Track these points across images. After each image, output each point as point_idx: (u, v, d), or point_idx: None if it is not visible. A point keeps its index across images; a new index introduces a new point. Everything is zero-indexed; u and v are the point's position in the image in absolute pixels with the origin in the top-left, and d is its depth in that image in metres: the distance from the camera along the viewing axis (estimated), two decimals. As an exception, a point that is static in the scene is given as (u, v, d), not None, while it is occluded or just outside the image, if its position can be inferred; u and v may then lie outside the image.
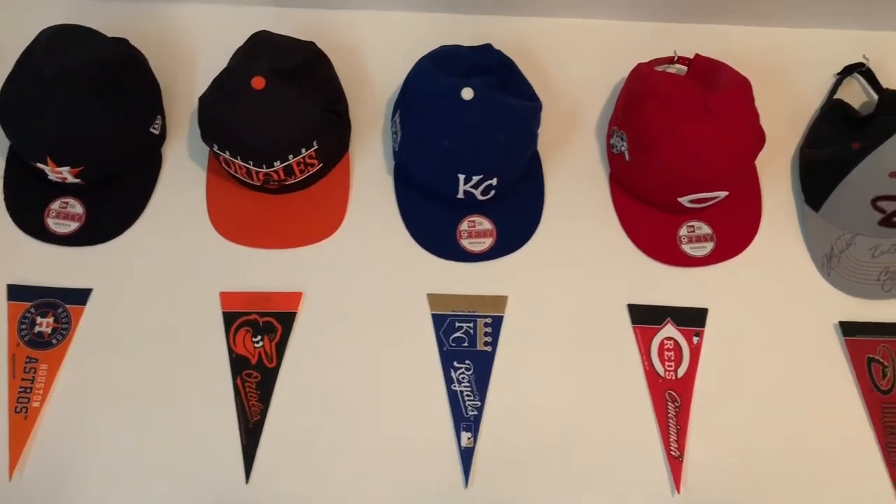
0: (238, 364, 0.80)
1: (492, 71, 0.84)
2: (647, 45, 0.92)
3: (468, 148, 0.78)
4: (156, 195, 0.86)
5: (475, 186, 0.80)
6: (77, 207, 0.84)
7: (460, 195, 0.82)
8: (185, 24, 0.92)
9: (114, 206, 0.84)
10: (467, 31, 0.92)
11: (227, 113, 0.78)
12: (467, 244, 0.84)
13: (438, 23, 0.93)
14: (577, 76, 0.92)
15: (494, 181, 0.80)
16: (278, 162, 0.79)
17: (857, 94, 0.92)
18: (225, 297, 0.82)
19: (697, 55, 0.87)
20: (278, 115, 0.77)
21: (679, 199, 0.82)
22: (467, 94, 0.77)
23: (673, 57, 0.89)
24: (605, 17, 0.94)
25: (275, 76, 0.77)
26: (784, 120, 0.91)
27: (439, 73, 0.79)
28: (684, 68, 0.88)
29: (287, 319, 0.81)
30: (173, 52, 0.91)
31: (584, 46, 0.93)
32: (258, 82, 0.76)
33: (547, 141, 0.89)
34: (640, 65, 0.86)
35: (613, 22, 0.94)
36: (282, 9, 0.93)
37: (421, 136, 0.79)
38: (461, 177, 0.79)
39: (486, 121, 0.78)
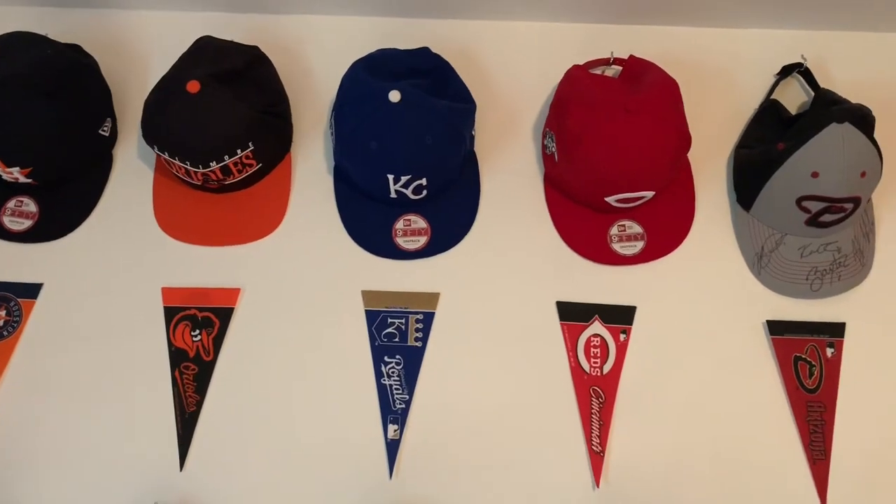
0: (177, 357, 0.83)
1: (427, 74, 0.86)
2: (589, 46, 0.94)
3: (396, 149, 0.80)
4: (106, 194, 0.89)
5: (405, 186, 0.83)
6: (31, 206, 0.88)
7: (393, 195, 0.84)
8: (138, 30, 0.96)
9: (66, 204, 0.88)
10: (410, 35, 0.94)
11: (163, 116, 0.81)
12: (402, 242, 0.86)
13: (382, 26, 0.95)
14: (517, 78, 0.93)
15: (424, 181, 0.83)
16: (214, 162, 0.82)
17: (798, 95, 0.92)
18: (166, 292, 0.85)
19: (631, 56, 0.88)
20: (212, 117, 0.80)
21: (606, 199, 0.83)
22: (394, 96, 0.79)
23: (609, 58, 0.90)
24: (547, 20, 0.95)
25: (211, 80, 0.80)
26: (723, 120, 0.91)
27: (369, 76, 0.82)
28: (621, 69, 0.89)
29: (225, 315, 0.84)
30: (127, 57, 0.94)
31: (526, 49, 0.95)
32: (193, 86, 0.80)
33: (485, 142, 0.91)
34: (573, 67, 0.87)
35: (555, 24, 0.96)
36: (231, 14, 0.96)
37: (351, 138, 0.82)
38: (390, 177, 0.82)
39: (414, 123, 0.80)
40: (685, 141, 0.82)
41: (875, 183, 0.81)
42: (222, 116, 0.81)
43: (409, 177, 0.82)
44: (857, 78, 0.92)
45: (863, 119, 0.78)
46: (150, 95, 0.84)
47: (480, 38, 0.95)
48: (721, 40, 0.95)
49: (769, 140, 0.82)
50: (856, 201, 0.79)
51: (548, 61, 0.94)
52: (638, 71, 0.85)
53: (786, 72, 0.91)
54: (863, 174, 0.78)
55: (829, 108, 0.79)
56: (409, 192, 0.83)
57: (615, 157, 0.79)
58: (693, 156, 0.89)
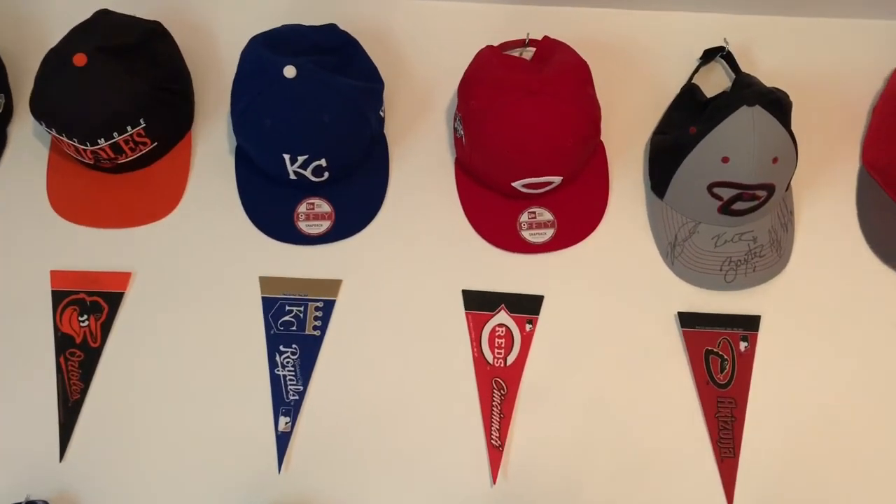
0: (63, 342, 0.79)
1: (333, 51, 0.83)
2: (509, 27, 0.90)
3: (290, 127, 0.77)
4: (-2, 173, 0.85)
5: (303, 167, 0.79)
6: (-82, 184, 0.84)
7: (292, 176, 0.80)
8: (36, 3, 0.92)
9: (-46, 183, 0.84)
10: (326, 12, 0.90)
11: (49, 90, 0.77)
12: (304, 227, 0.83)
13: (295, 4, 0.92)
14: (433, 59, 0.90)
15: (324, 162, 0.79)
16: (103, 140, 0.78)
17: (723, 80, 0.89)
18: (55, 275, 0.81)
19: (545, 37, 0.85)
20: (99, 91, 0.77)
21: (513, 184, 0.80)
22: (290, 72, 0.75)
23: (524, 40, 0.87)
24: (467, 0, 0.92)
25: (99, 53, 0.77)
26: (644, 105, 0.88)
27: (267, 51, 0.78)
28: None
29: (114, 299, 0.80)
30: (23, 29, 0.90)
31: (444, 29, 0.91)
32: (80, 59, 0.76)
33: (397, 124, 0.87)
34: (485, 48, 0.84)
35: (475, 4, 0.92)
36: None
37: (244, 115, 0.78)
38: (286, 157, 0.78)
39: (310, 100, 0.76)
40: (594, 124, 0.79)
41: (790, 170, 0.78)
42: (110, 91, 0.77)
43: (306, 157, 0.78)
44: (781, 63, 0.89)
45: (776, 103, 0.75)
46: (39, 69, 0.80)
47: (397, 17, 0.92)
48: (646, 23, 0.91)
49: (683, 125, 0.79)
50: (769, 188, 0.76)
51: (466, 42, 0.90)
52: (549, 52, 0.82)
53: (708, 56, 0.88)
54: (775, 160, 0.75)
55: (741, 91, 0.76)
56: (308, 173, 0.80)
57: (517, 139, 0.76)
58: (611, 142, 0.86)
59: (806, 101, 0.87)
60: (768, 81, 0.84)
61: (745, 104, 0.74)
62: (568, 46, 0.82)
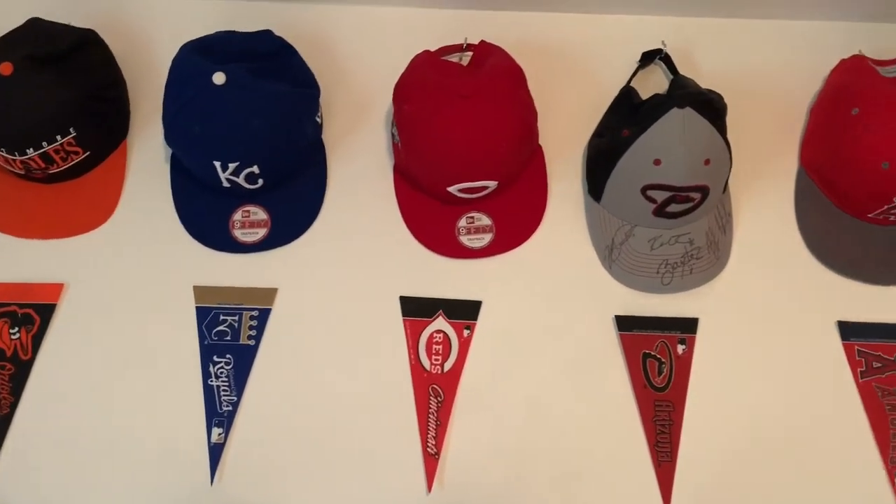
0: (-8, 356, 0.78)
1: (267, 57, 0.82)
2: (449, 32, 0.90)
3: (220, 134, 0.76)
4: (-71, 184, 0.84)
5: (235, 174, 0.78)
6: None
7: (225, 183, 0.80)
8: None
9: None
10: (264, 18, 0.90)
11: (-26, 99, 0.76)
12: (240, 234, 0.82)
13: (232, 10, 0.91)
14: (372, 65, 0.90)
15: (256, 169, 0.78)
16: (31, 149, 0.77)
17: (663, 83, 0.89)
18: (-15, 287, 0.80)
19: (481, 42, 0.84)
20: (26, 101, 0.76)
21: (448, 189, 0.79)
22: (219, 78, 0.75)
23: (462, 45, 0.86)
24: (407, 5, 0.92)
25: (27, 62, 0.76)
26: (583, 109, 0.87)
27: (198, 57, 0.77)
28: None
29: (46, 311, 0.79)
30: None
31: (383, 35, 0.91)
32: (5, 68, 0.75)
33: (336, 130, 0.87)
34: (422, 52, 0.83)
35: (415, 10, 0.92)
36: (72, -2, 0.91)
37: (174, 122, 0.77)
38: (217, 164, 0.77)
39: (240, 106, 0.76)
40: (528, 128, 0.79)
41: (723, 171, 0.78)
42: (37, 100, 0.76)
43: (237, 164, 0.77)
44: (721, 64, 0.90)
45: (707, 104, 0.75)
46: (-33, 79, 0.79)
47: (337, 23, 0.92)
48: (587, 27, 0.91)
49: (618, 127, 0.79)
50: (703, 190, 0.76)
51: (406, 48, 0.88)
52: (484, 57, 0.82)
53: (647, 59, 0.88)
54: (706, 161, 0.75)
55: (673, 93, 0.76)
56: (241, 180, 0.79)
57: (450, 143, 0.75)
58: (550, 146, 0.86)
59: (745, 103, 0.87)
60: (708, 83, 0.84)
61: (675, 106, 0.73)
62: (502, 51, 0.82)
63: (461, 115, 0.75)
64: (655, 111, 0.75)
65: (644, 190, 0.76)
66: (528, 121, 0.79)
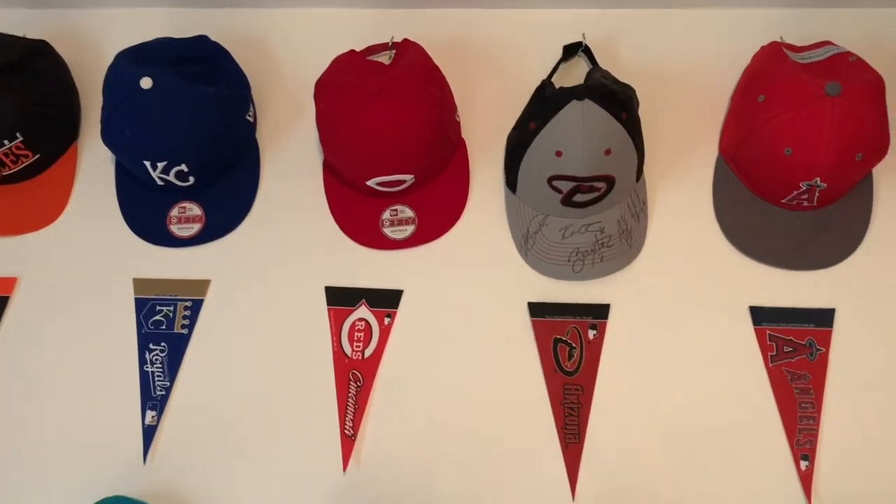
0: (-50, 346, 0.84)
1: (201, 61, 0.87)
2: (381, 31, 0.93)
3: (147, 136, 0.81)
4: None
5: (165, 173, 0.83)
6: None
7: (158, 182, 0.85)
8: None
9: None
10: (209, 25, 0.94)
11: (-73, 108, 0.83)
12: (176, 230, 0.87)
13: (176, 17, 0.96)
14: (305, 65, 0.93)
15: (184, 167, 0.83)
16: (-19, 153, 0.83)
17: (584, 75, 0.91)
18: (-57, 281, 0.87)
19: (404, 40, 0.87)
20: (-27, 108, 0.82)
21: (367, 183, 0.83)
22: (146, 83, 0.79)
23: (388, 43, 0.90)
24: (340, 6, 0.95)
25: (-24, 73, 0.82)
26: (508, 103, 0.89)
27: (129, 63, 0.82)
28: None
29: (0, 303, 0.85)
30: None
31: (317, 35, 0.94)
32: (-46, 78, 0.81)
33: (270, 128, 0.91)
34: (348, 52, 0.87)
35: (348, 10, 0.95)
36: (28, 10, 0.97)
37: (107, 126, 0.83)
38: (147, 164, 0.82)
39: (166, 109, 0.80)
40: (440, 124, 0.81)
41: (629, 161, 0.80)
42: (-15, 107, 0.82)
43: (164, 163, 0.82)
44: (644, 55, 0.91)
45: (608, 96, 0.76)
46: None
47: (275, 27, 0.95)
48: (512, 21, 0.93)
49: (527, 120, 0.81)
50: (608, 180, 0.78)
51: (338, 48, 0.92)
52: (403, 54, 0.85)
53: (569, 52, 0.90)
54: (607, 152, 0.76)
55: (575, 86, 0.78)
56: (172, 178, 0.84)
57: (361, 140, 0.79)
58: (474, 139, 0.89)
59: (668, 92, 0.89)
60: (630, 74, 0.86)
61: (574, 98, 0.75)
62: (419, 48, 0.85)
63: (370, 112, 0.78)
64: (557, 104, 0.77)
65: (550, 181, 0.79)
66: (440, 116, 0.82)
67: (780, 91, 0.77)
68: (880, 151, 0.78)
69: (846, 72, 0.77)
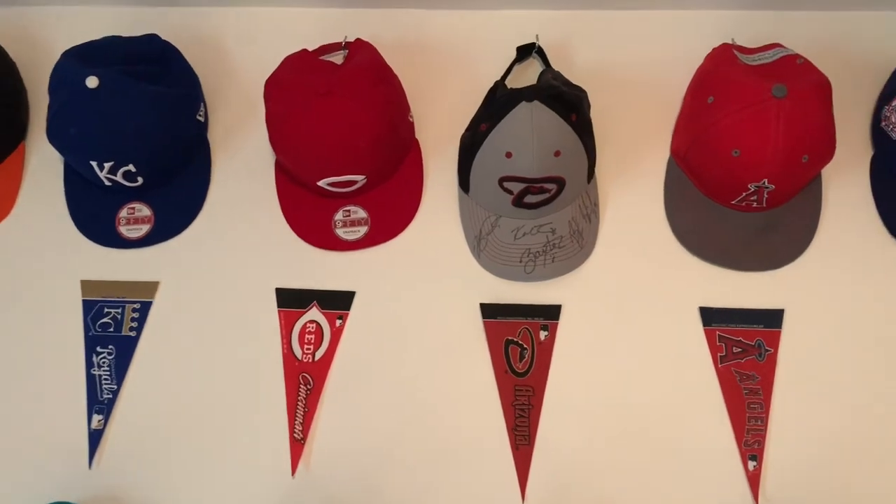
0: None
1: (150, 60, 0.86)
2: (337, 31, 0.92)
3: (93, 135, 0.80)
4: None
5: (112, 173, 0.82)
6: None
7: (106, 182, 0.83)
8: None
9: None
10: (156, 23, 0.93)
11: None
12: (125, 231, 0.86)
13: (129, 16, 0.94)
14: (260, 65, 0.91)
15: (132, 167, 0.82)
16: (-78, 154, 0.82)
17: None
18: None
19: (357, 40, 0.87)
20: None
21: (318, 184, 0.82)
22: (91, 82, 0.78)
23: (342, 43, 0.89)
24: (295, 5, 0.94)
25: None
26: (463, 104, 0.89)
27: (75, 62, 0.81)
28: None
29: (-59, 306, 0.84)
30: None
31: (272, 35, 0.93)
32: None
33: (223, 127, 0.90)
34: (301, 51, 0.86)
35: (301, 9, 0.94)
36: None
37: (53, 125, 0.81)
38: (94, 164, 0.81)
39: (112, 108, 0.79)
40: (390, 123, 0.81)
41: (579, 162, 0.80)
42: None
43: (111, 163, 0.81)
44: (598, 56, 0.91)
45: (557, 97, 0.76)
46: None
47: (228, 25, 0.94)
48: (468, 22, 0.93)
49: (479, 122, 0.81)
50: (558, 182, 0.78)
51: (292, 47, 0.92)
52: (355, 54, 0.84)
53: (523, 53, 0.90)
54: (557, 153, 0.76)
55: (524, 88, 0.78)
56: (119, 178, 0.83)
57: (309, 140, 0.78)
58: (429, 140, 0.88)
59: (621, 93, 0.89)
60: (583, 75, 0.86)
61: (524, 100, 0.75)
62: (371, 47, 0.84)
63: (319, 113, 0.77)
64: (506, 105, 0.76)
65: (501, 182, 0.78)
66: (391, 116, 0.81)
67: (729, 92, 0.78)
68: (827, 153, 0.79)
69: (793, 74, 0.78)
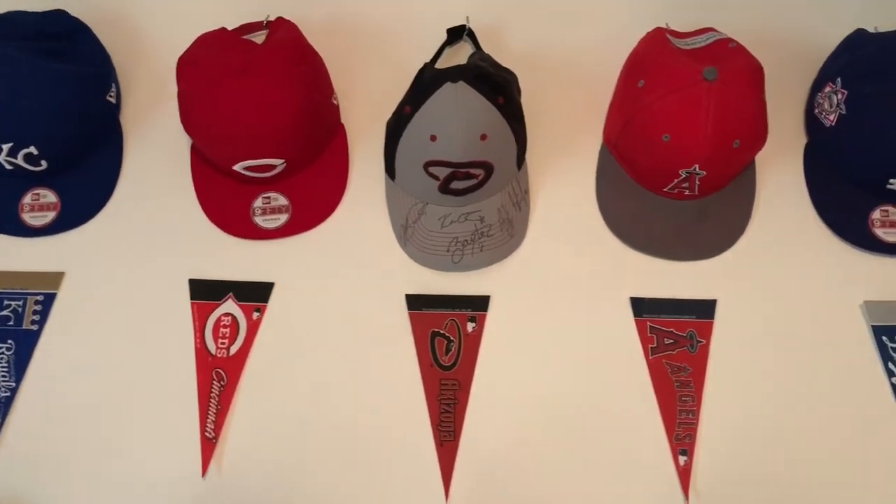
0: None
1: (57, 37, 0.81)
2: (258, 9, 0.88)
3: (-11, 115, 0.74)
4: None
5: (12, 155, 0.77)
6: None
7: (7, 166, 0.78)
8: None
9: None
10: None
11: None
12: (28, 218, 0.80)
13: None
14: (178, 44, 0.87)
15: (34, 150, 0.77)
16: None
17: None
18: None
19: (278, 18, 0.83)
20: None
21: (234, 168, 0.78)
22: (-13, 58, 0.73)
23: (263, 22, 0.85)
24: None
25: None
26: (391, 88, 0.85)
27: (-28, 37, 0.76)
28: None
29: None
30: None
31: (190, 13, 0.89)
32: None
33: (135, 109, 0.86)
34: (219, 29, 0.81)
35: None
36: None
37: (-53, 105, 0.76)
38: (-9, 146, 0.76)
39: (8, 86, 0.74)
40: (309, 104, 0.77)
41: (507, 147, 0.77)
42: None
43: (10, 144, 0.76)
44: (531, 40, 0.89)
45: (483, 78, 0.73)
46: None
47: (139, 3, 0.90)
48: (395, 3, 0.90)
49: (403, 104, 0.77)
50: (485, 167, 0.75)
51: (210, 26, 0.87)
52: (275, 33, 0.80)
53: (454, 36, 0.86)
54: (483, 136, 0.73)
55: (449, 68, 0.74)
56: (20, 161, 0.77)
57: (223, 121, 0.74)
58: (355, 125, 0.85)
59: (553, 79, 0.87)
60: (516, 59, 0.83)
61: (448, 80, 0.72)
62: (293, 26, 0.81)
63: (232, 91, 0.73)
64: (431, 86, 0.73)
65: (426, 166, 0.75)
66: (312, 97, 0.77)
67: (660, 76, 0.75)
68: (759, 139, 0.77)
69: (726, 57, 0.76)
